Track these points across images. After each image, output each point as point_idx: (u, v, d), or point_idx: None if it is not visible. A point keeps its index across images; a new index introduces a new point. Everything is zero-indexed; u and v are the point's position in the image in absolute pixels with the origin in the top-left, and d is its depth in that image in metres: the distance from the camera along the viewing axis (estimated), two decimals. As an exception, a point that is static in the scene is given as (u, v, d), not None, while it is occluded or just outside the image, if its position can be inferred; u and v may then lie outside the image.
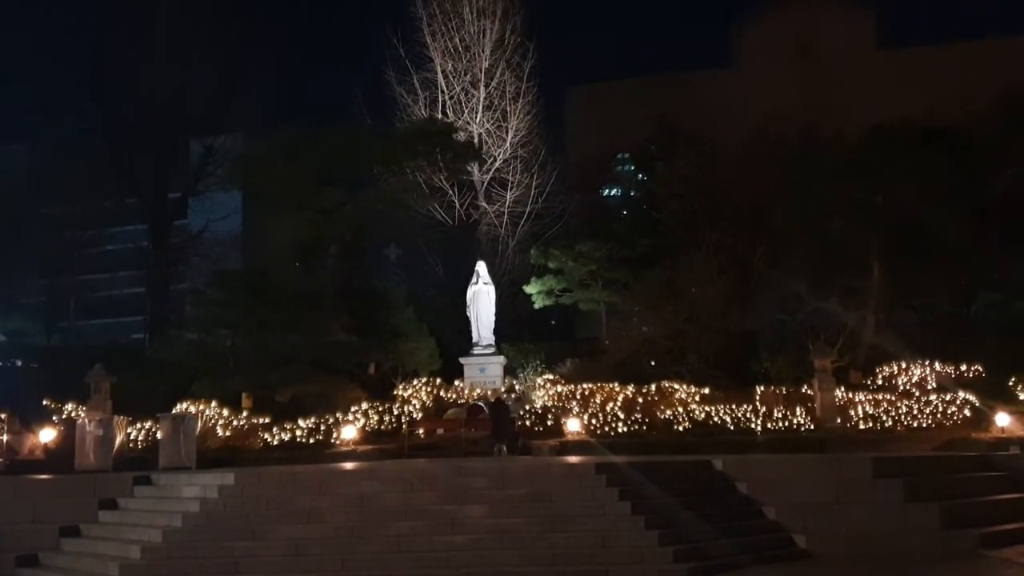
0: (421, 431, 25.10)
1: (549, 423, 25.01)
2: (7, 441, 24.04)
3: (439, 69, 38.66)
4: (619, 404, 25.36)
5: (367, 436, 24.97)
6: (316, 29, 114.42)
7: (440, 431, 25.09)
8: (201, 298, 32.52)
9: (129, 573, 14.42)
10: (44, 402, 27.16)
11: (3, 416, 24.28)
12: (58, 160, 46.18)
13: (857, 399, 25.29)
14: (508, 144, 38.47)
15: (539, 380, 28.64)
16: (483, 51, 38.62)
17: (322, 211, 32.28)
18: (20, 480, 19.37)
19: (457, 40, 38.58)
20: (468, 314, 30.84)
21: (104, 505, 17.39)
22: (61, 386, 27.83)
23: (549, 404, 26.02)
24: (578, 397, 26.13)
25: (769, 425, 24.25)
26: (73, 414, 26.00)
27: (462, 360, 29.99)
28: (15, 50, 74.51)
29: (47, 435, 24.83)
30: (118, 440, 23.21)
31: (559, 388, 27.01)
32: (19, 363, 38.48)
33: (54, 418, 26.31)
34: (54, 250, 47.51)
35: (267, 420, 25.52)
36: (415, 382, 27.69)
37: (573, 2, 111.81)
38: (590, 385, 26.61)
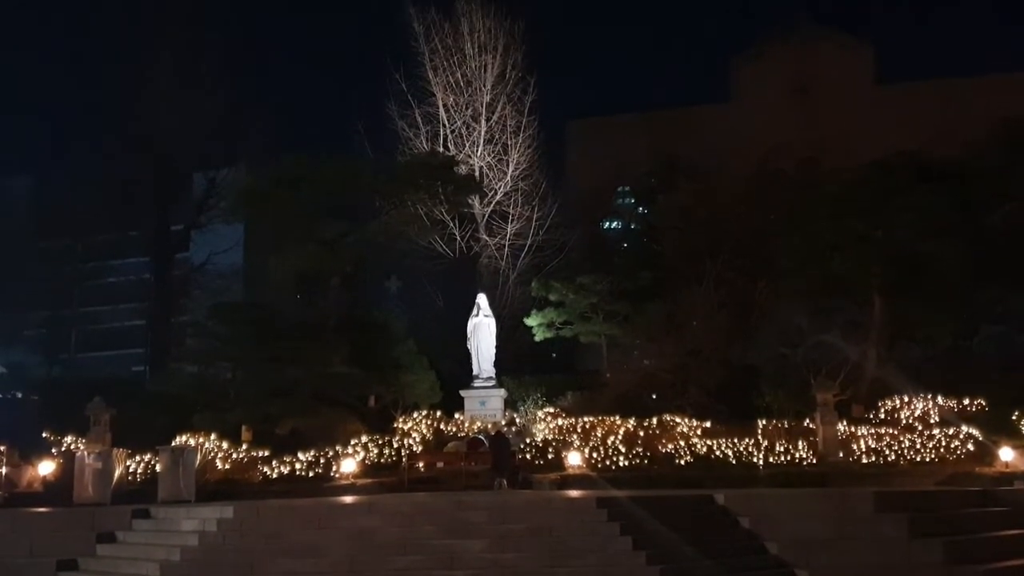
0: (421, 464, 24.97)
1: (550, 456, 24.90)
2: (6, 474, 23.96)
3: (441, 103, 38.99)
4: (620, 438, 25.25)
5: (367, 469, 24.85)
6: (319, 63, 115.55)
7: (440, 464, 24.94)
8: (202, 330, 32.52)
9: (127, 608, 14.29)
10: (43, 434, 27.08)
11: (2, 448, 24.22)
12: (62, 193, 46.49)
13: (859, 433, 25.17)
14: (509, 177, 38.69)
15: (540, 413, 28.56)
16: (484, 86, 38.97)
17: (323, 243, 32.37)
18: (18, 513, 19.28)
19: (459, 75, 38.94)
20: (468, 347, 30.83)
21: (102, 539, 17.30)
22: (61, 418, 27.79)
23: (550, 437, 25.91)
24: (579, 430, 26.02)
25: (771, 459, 24.14)
26: (72, 446, 25.90)
27: (463, 393, 29.92)
28: (20, 84, 75.29)
29: (46, 468, 24.75)
30: (117, 473, 23.09)
31: (560, 421, 26.91)
32: (19, 395, 38.42)
33: (53, 450, 26.21)
34: (56, 283, 47.68)
35: (267, 453, 25.43)
36: (415, 415, 27.60)
37: (574, 37, 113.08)
38: (591, 418, 26.50)
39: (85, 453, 22.48)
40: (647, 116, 52.09)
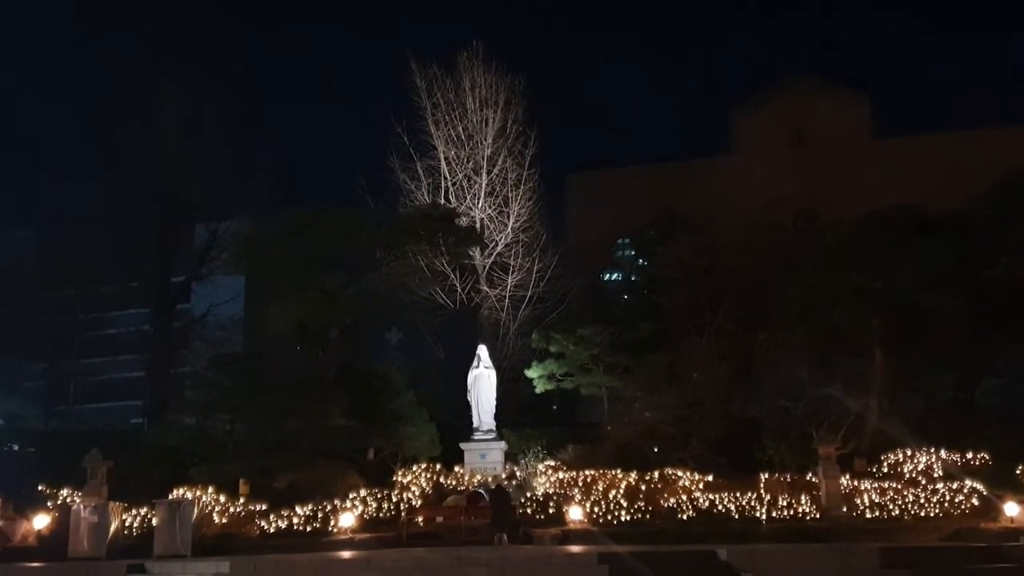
0: (420, 519, 24.73)
1: (551, 511, 24.66)
2: (0, 527, 23.71)
3: (442, 156, 39.37)
4: (622, 491, 25.03)
5: (365, 524, 24.59)
6: (322, 116, 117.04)
7: (440, 519, 24.71)
8: (201, 382, 32.43)
9: (119, 667, 14.05)
10: (40, 487, 26.85)
11: (-3, 502, 24.00)
12: (64, 244, 46.68)
13: (863, 487, 24.96)
14: (510, 229, 38.91)
15: (540, 466, 28.35)
16: (485, 139, 39.39)
17: (324, 294, 32.47)
18: (12, 568, 19.08)
19: (460, 129, 39.39)
20: (469, 398, 30.71)
21: (96, 595, 17.06)
22: (57, 471, 27.60)
23: (551, 491, 25.68)
24: (580, 484, 25.80)
25: (774, 513, 23.90)
26: (69, 499, 25.68)
27: (463, 445, 29.73)
28: (23, 135, 76.17)
29: (41, 521, 24.54)
30: (113, 527, 22.90)
31: (561, 475, 26.70)
32: (16, 447, 38.17)
33: (49, 503, 25.98)
34: (55, 334, 47.60)
35: (264, 507, 25.20)
36: (414, 468, 27.38)
37: (574, 91, 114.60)
38: (592, 472, 26.29)
39: (81, 506, 22.32)
40: (646, 169, 52.53)
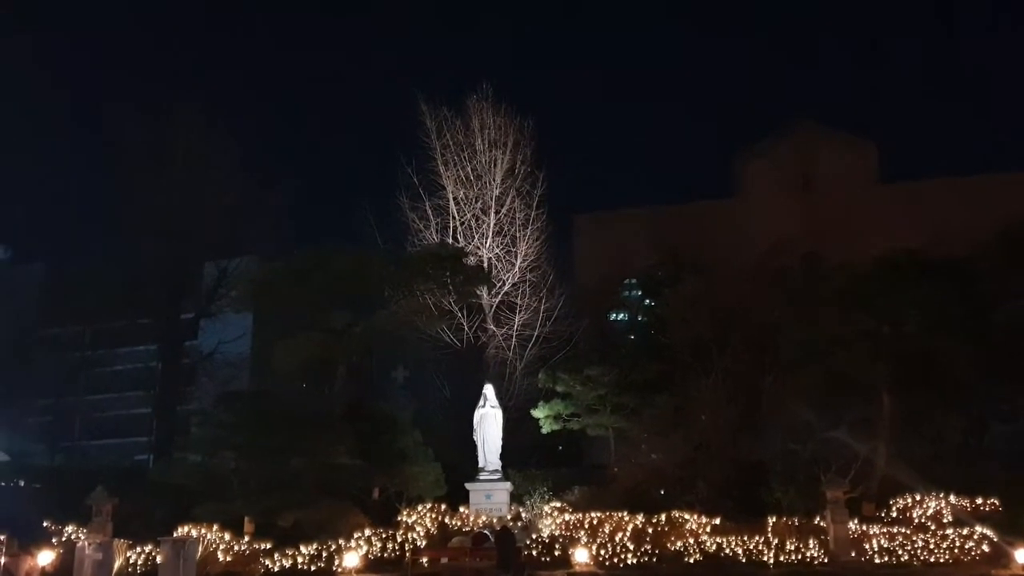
0: (425, 560, 24.60)
1: (556, 553, 24.48)
2: (5, 564, 23.61)
3: (451, 196, 39.72)
4: (628, 534, 24.90)
5: (370, 564, 24.47)
6: (331, 155, 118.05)
7: (444, 560, 24.58)
8: (207, 419, 32.42)
9: None
10: (45, 523, 26.77)
11: (2, 538, 23.90)
12: (72, 281, 46.95)
13: (872, 532, 24.79)
14: (517, 268, 39.13)
15: (546, 508, 28.21)
16: (494, 180, 39.77)
17: (331, 332, 32.57)
18: (16, 605, 18.96)
19: (469, 169, 39.79)
20: (475, 438, 30.65)
21: (100, 633, 16.96)
22: (63, 507, 27.52)
23: (556, 533, 25.54)
24: (586, 526, 25.67)
25: (782, 557, 23.75)
26: (74, 536, 25.61)
27: (468, 486, 29.60)
28: (32, 173, 76.99)
29: (45, 558, 24.42)
30: (117, 564, 22.84)
31: (567, 516, 26.56)
32: (22, 483, 38.08)
33: (54, 540, 25.89)
34: (62, 370, 47.71)
35: (269, 545, 25.10)
36: (419, 508, 27.26)
37: (582, 134, 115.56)
38: (599, 514, 26.16)
39: (86, 544, 22.26)
40: (653, 210, 52.82)
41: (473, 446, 30.66)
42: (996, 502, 26.44)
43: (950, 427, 30.45)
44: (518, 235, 39.40)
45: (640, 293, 45.77)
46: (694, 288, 35.03)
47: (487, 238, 39.36)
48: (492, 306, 39.13)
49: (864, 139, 54.24)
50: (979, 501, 26.48)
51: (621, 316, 47.47)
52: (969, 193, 46.49)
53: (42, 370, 46.77)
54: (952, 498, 26.48)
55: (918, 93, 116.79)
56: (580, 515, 26.38)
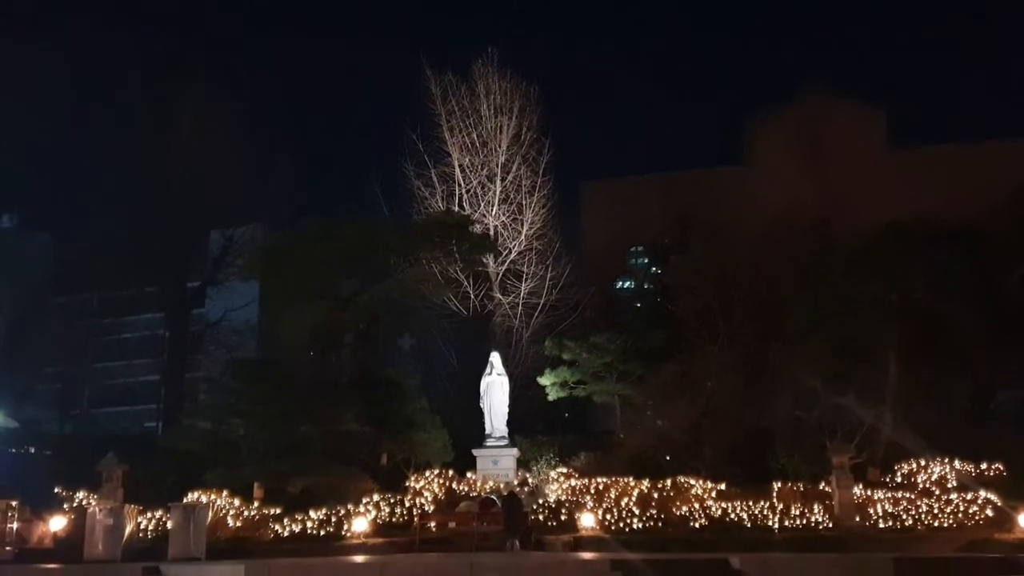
0: (433, 524, 24.78)
1: (563, 518, 24.66)
2: (17, 529, 23.92)
3: (456, 163, 39.55)
4: (634, 499, 25.01)
5: (378, 528, 24.68)
6: (337, 123, 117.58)
7: (452, 524, 24.76)
8: (216, 387, 32.62)
9: (135, 667, 14.17)
10: (56, 490, 27.06)
11: (14, 504, 24.19)
12: (80, 249, 47.05)
13: (876, 497, 24.86)
14: (523, 236, 39.04)
15: (552, 473, 28.34)
16: (500, 146, 39.56)
17: (338, 300, 32.61)
18: (28, 569, 19.25)
19: (475, 136, 39.58)
20: (481, 405, 30.76)
21: (112, 596, 17.20)
22: (73, 474, 27.79)
23: (563, 498, 25.68)
24: (592, 491, 25.79)
25: (787, 522, 23.83)
26: (84, 502, 25.87)
27: (475, 452, 29.78)
28: (41, 141, 76.85)
29: (57, 523, 24.72)
30: (128, 529, 23.07)
31: (573, 482, 26.69)
32: (32, 450, 38.47)
33: (65, 506, 26.17)
34: (71, 338, 47.95)
35: (278, 511, 25.31)
36: (427, 473, 27.45)
37: (588, 100, 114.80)
38: (604, 479, 26.28)
39: (96, 509, 22.48)
40: (660, 177, 52.62)
41: (480, 413, 30.80)
42: (1001, 467, 26.46)
43: (957, 393, 30.43)
44: (524, 202, 39.28)
45: (647, 261, 45.72)
46: (701, 255, 34.91)
47: (493, 206, 39.24)
48: (498, 274, 39.12)
49: (874, 105, 53.79)
50: (984, 466, 26.51)
51: (628, 284, 47.47)
52: (980, 158, 46.19)
53: (51, 338, 47.02)
54: (957, 463, 26.51)
55: (928, 58, 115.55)
56: (586, 480, 26.50)
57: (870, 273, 29.02)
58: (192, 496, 25.14)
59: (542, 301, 38.45)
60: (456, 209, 38.73)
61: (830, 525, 23.75)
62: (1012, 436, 28.76)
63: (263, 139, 41.88)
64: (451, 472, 27.59)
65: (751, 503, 24.38)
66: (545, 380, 35.19)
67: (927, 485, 25.96)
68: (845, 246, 32.27)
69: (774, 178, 48.36)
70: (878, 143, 52.05)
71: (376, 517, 25.03)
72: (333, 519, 24.73)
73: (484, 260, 38.08)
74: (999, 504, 24.24)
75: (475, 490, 26.74)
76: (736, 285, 33.58)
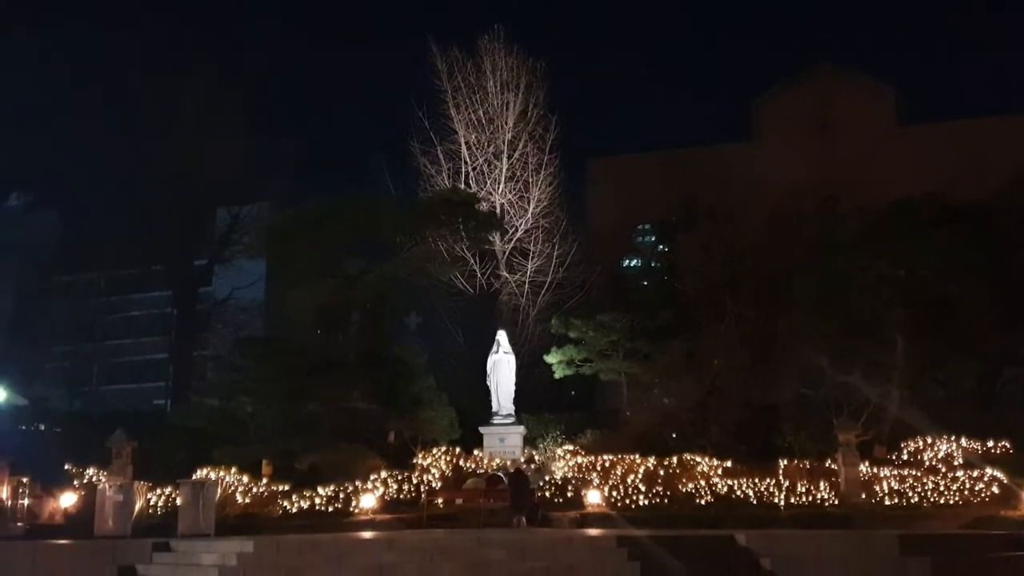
0: (440, 501, 24.93)
1: (569, 495, 24.78)
2: (28, 505, 24.12)
3: (463, 141, 39.40)
4: (640, 476, 25.10)
5: (386, 505, 24.84)
6: (342, 100, 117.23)
7: (459, 501, 24.89)
8: (223, 364, 32.74)
9: (146, 641, 14.32)
10: (65, 466, 27.26)
11: (24, 480, 24.38)
12: (86, 227, 47.15)
13: (882, 474, 24.92)
14: (530, 214, 38.95)
15: (559, 451, 28.46)
16: (506, 123, 39.38)
17: (344, 279, 32.64)
18: (39, 545, 19.40)
19: (481, 113, 39.39)
20: (488, 383, 30.82)
21: (123, 572, 17.41)
22: (82, 451, 27.99)
23: (569, 475, 25.79)
24: (599, 469, 25.89)
25: (792, 500, 23.92)
26: (94, 479, 26.07)
27: (482, 429, 29.88)
28: (46, 119, 76.75)
29: (67, 500, 24.91)
30: (138, 506, 23.24)
31: (579, 459, 26.80)
32: (42, 427, 38.73)
33: (75, 483, 26.37)
34: (79, 316, 48.13)
35: (287, 488, 25.47)
36: (434, 451, 27.58)
37: (595, 77, 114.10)
38: (611, 457, 26.36)
39: (106, 486, 22.63)
40: (668, 154, 52.25)
41: (487, 391, 30.87)
42: (1008, 445, 26.48)
43: (964, 371, 30.39)
44: (531, 180, 39.14)
45: (654, 238, 45.59)
46: (708, 233, 34.82)
47: (499, 183, 39.12)
48: (505, 252, 39.06)
49: (883, 81, 53.31)
50: (990, 444, 26.53)
51: (635, 262, 47.39)
52: (991, 134, 45.73)
53: (59, 317, 47.21)
54: (964, 441, 26.54)
55: (939, 33, 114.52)
56: (592, 458, 26.59)
57: (877, 251, 28.89)
58: (201, 473, 25.30)
59: (548, 279, 38.41)
60: (462, 187, 38.62)
61: (836, 502, 23.82)
62: (1019, 414, 28.75)
63: (268, 116, 41.84)
64: (458, 449, 27.70)
65: (757, 480, 24.47)
66: (551, 358, 35.22)
67: (933, 463, 26.01)
68: (852, 224, 32.12)
69: (782, 155, 48.08)
70: (887, 120, 51.57)
71: (384, 494, 25.18)
72: (341, 496, 24.91)
73: (491, 238, 38.02)
74: (1005, 481, 24.31)
75: (482, 467, 26.85)
76: (743, 263, 33.52)
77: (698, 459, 26.05)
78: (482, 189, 38.84)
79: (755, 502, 23.96)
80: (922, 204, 29.48)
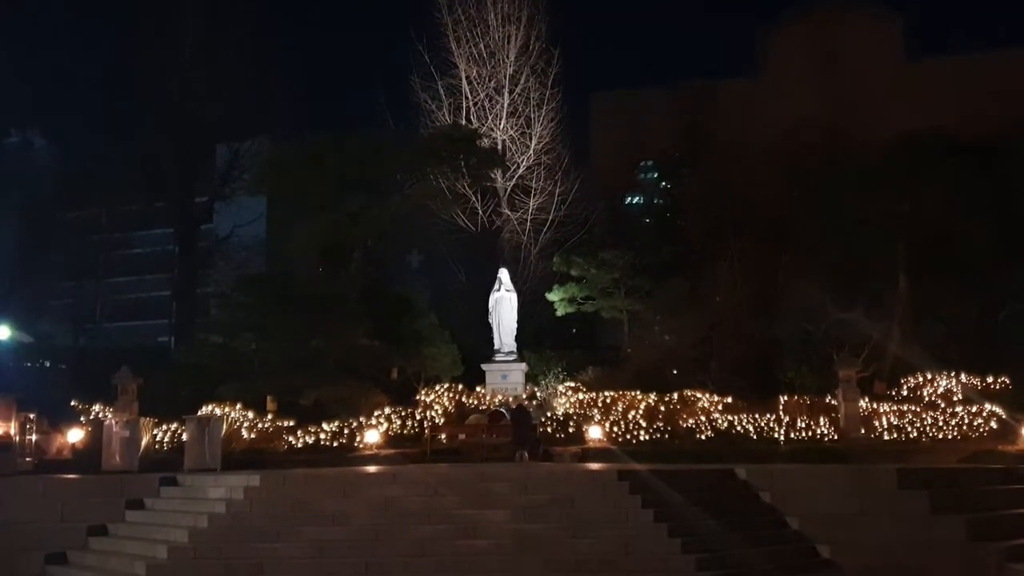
0: (443, 436, 25.19)
1: (571, 430, 25.00)
2: (36, 441, 24.36)
3: (463, 75, 38.81)
4: (641, 412, 25.31)
5: (390, 440, 25.10)
6: (342, 34, 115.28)
7: (462, 437, 25.12)
8: (226, 302, 32.76)
9: (156, 572, 14.62)
10: (72, 403, 27.46)
11: (32, 416, 24.58)
12: (87, 164, 46.77)
13: (881, 410, 25.10)
14: (532, 151, 38.57)
15: (561, 387, 28.64)
16: (508, 57, 38.75)
17: (345, 215, 32.47)
18: (48, 479, 19.65)
19: (482, 46, 38.73)
20: (490, 320, 30.87)
21: (131, 505, 17.64)
22: (88, 388, 28.12)
23: (571, 411, 26.01)
24: (600, 405, 26.09)
25: (792, 435, 24.12)
26: (100, 415, 26.27)
27: (484, 366, 30.03)
28: (45, 54, 75.66)
29: (75, 435, 25.15)
30: (144, 441, 23.47)
31: (581, 395, 27.00)
32: (47, 364, 38.95)
33: (81, 419, 26.61)
34: (81, 253, 48.06)
35: (291, 423, 25.70)
36: (437, 388, 27.78)
37: (598, 9, 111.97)
38: (612, 393, 26.54)
39: (113, 422, 22.83)
40: (672, 89, 51.60)
41: (489, 328, 30.95)
42: (1007, 380, 26.62)
43: (966, 309, 30.40)
44: (533, 116, 38.65)
45: (656, 175, 45.26)
46: (711, 168, 34.54)
47: (501, 119, 38.66)
48: (506, 189, 38.78)
49: (891, 13, 52.38)
50: (990, 379, 26.67)
51: (637, 199, 47.12)
52: (1000, 69, 45.12)
53: (61, 254, 47.14)
54: (963, 377, 26.67)
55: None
56: (594, 394, 26.79)
57: (882, 187, 28.66)
58: (206, 409, 25.49)
59: (550, 217, 38.20)
60: (463, 122, 38.17)
61: (835, 437, 24.02)
62: (1019, 350, 28.83)
63: (268, 51, 41.16)
64: (460, 386, 27.89)
65: (757, 416, 24.65)
66: (553, 296, 35.26)
67: (933, 398, 26.17)
68: (858, 159, 31.82)
69: (787, 89, 47.53)
70: (894, 54, 50.86)
71: (387, 429, 25.43)
72: (346, 431, 25.15)
73: (492, 175, 37.74)
74: (1004, 416, 24.47)
75: (484, 403, 27.07)
76: (746, 199, 33.30)
77: (699, 395, 26.23)
78: (483, 125, 38.39)
79: (755, 437, 24.18)
80: (928, 139, 29.16)
